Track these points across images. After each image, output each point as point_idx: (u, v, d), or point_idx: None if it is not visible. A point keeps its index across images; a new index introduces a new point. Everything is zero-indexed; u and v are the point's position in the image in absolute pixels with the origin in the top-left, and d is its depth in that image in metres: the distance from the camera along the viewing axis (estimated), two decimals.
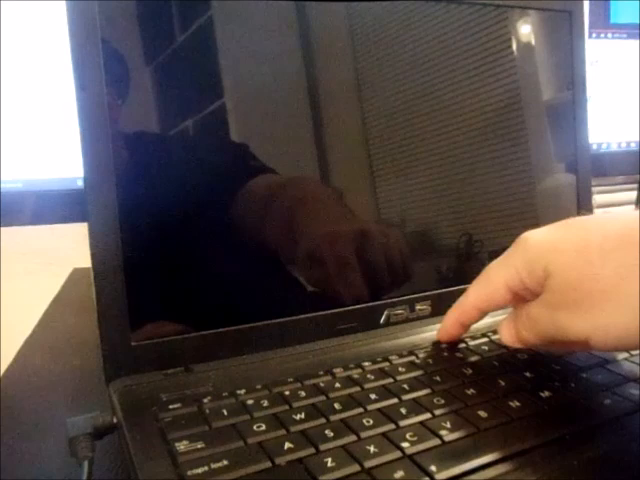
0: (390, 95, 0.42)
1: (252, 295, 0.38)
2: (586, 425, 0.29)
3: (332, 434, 0.27)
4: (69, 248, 0.66)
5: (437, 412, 0.29)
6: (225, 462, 0.25)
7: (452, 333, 0.37)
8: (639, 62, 0.71)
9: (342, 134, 0.41)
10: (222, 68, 0.36)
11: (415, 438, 0.27)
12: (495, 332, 0.40)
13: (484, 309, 0.34)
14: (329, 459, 0.26)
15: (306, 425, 0.28)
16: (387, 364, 0.35)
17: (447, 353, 0.37)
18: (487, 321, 0.42)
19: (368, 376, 0.33)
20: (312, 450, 0.26)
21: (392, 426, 0.28)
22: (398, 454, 0.26)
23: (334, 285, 0.39)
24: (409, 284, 0.42)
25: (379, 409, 0.30)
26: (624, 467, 0.27)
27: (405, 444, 0.27)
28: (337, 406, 0.30)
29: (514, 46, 0.47)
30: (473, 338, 0.39)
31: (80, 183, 0.48)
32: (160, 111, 0.35)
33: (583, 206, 0.50)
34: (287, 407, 0.30)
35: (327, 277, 0.39)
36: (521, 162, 0.47)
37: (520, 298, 0.32)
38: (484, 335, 0.39)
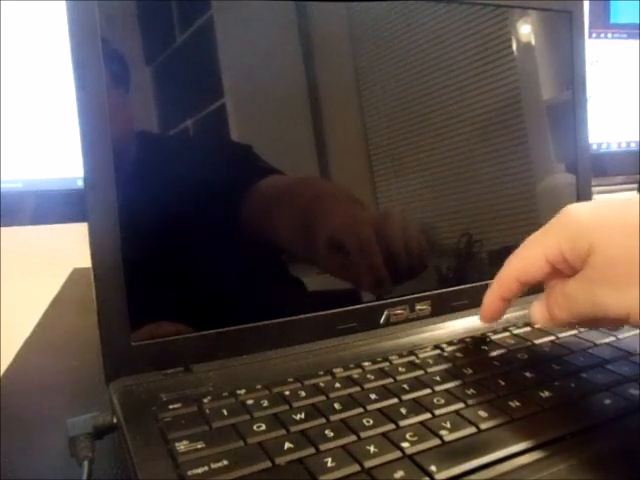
0: (390, 95, 0.42)
1: (252, 295, 0.38)
2: (586, 425, 0.29)
3: (332, 434, 0.27)
4: (69, 248, 0.66)
5: (437, 412, 0.29)
6: (225, 462, 0.25)
7: (494, 309, 0.35)
8: (639, 62, 0.71)
9: (342, 134, 0.41)
10: (222, 68, 0.36)
11: (415, 438, 0.27)
12: (495, 332, 0.40)
13: (523, 281, 0.33)
14: (329, 459, 0.26)
15: (306, 425, 0.28)
16: (387, 364, 0.35)
17: (447, 353, 0.37)
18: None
19: (368, 376, 0.33)
20: (312, 450, 0.26)
21: (392, 426, 0.28)
22: (398, 454, 0.26)
23: (357, 268, 0.40)
24: (409, 284, 0.42)
25: (379, 409, 0.30)
26: (624, 467, 0.27)
27: (405, 444, 0.27)
28: (337, 406, 0.30)
29: (514, 46, 0.47)
30: (473, 338, 0.39)
31: (80, 183, 0.48)
32: (160, 111, 0.35)
33: None
34: (287, 407, 0.30)
35: (349, 262, 0.39)
36: (521, 162, 0.47)
37: (556, 274, 0.32)
38: (484, 335, 0.39)
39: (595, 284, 0.29)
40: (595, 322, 0.33)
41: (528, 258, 0.32)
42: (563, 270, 0.31)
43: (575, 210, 0.31)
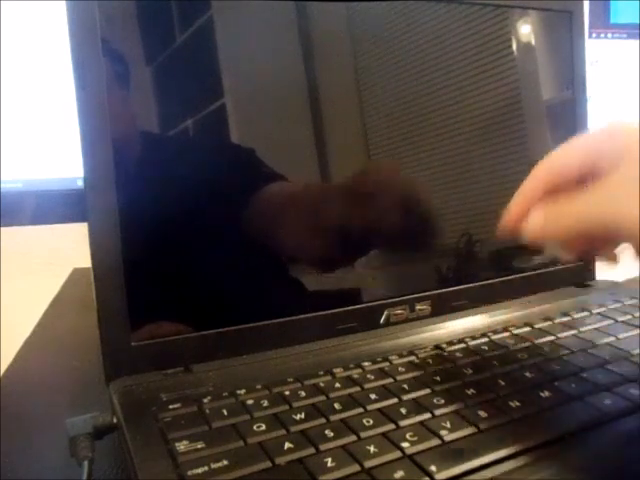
0: (390, 95, 0.42)
1: (252, 295, 0.38)
2: (586, 425, 0.29)
3: (332, 434, 0.27)
4: (69, 248, 0.66)
5: (437, 412, 0.29)
6: (225, 462, 0.25)
7: (517, 212, 0.32)
8: (639, 62, 0.71)
9: (342, 134, 0.41)
10: (222, 68, 0.36)
11: (415, 438, 0.27)
12: (495, 332, 0.40)
13: (551, 180, 0.31)
14: (329, 459, 0.26)
15: (306, 425, 0.28)
16: (387, 364, 0.35)
17: (447, 353, 0.37)
18: (487, 321, 0.42)
19: (368, 376, 0.33)
20: (312, 450, 0.26)
21: (392, 426, 0.28)
22: (398, 454, 0.26)
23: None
24: (409, 284, 0.42)
25: (379, 409, 0.30)
26: (623, 467, 0.27)
27: (405, 444, 0.27)
28: (337, 406, 0.30)
29: (514, 46, 0.47)
30: (473, 338, 0.39)
31: (80, 183, 0.48)
32: (160, 111, 0.35)
33: None
34: (287, 407, 0.30)
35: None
36: (521, 162, 0.47)
37: (578, 181, 0.29)
38: (484, 335, 0.39)
39: (621, 190, 0.27)
40: (593, 243, 0.30)
41: (567, 149, 0.31)
42: (594, 173, 0.28)
43: (621, 123, 0.30)
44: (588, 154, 0.30)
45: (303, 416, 0.29)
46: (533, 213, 0.30)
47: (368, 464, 0.25)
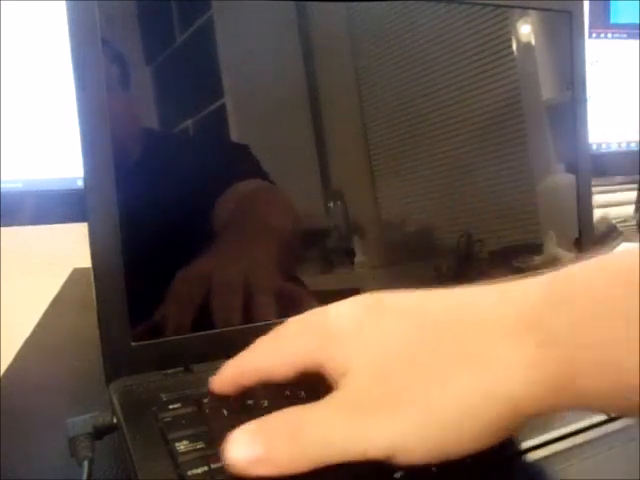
0: (390, 95, 0.42)
1: (252, 295, 0.38)
2: (585, 425, 0.29)
3: None
4: (69, 248, 0.66)
5: None
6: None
7: (226, 390, 0.29)
8: (639, 62, 0.71)
9: (342, 134, 0.41)
10: (222, 68, 0.36)
11: None
12: None
13: (264, 379, 0.27)
14: None
15: None
16: None
17: None
18: None
19: None
20: None
21: None
22: None
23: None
24: (409, 284, 0.42)
25: None
26: (623, 467, 0.27)
27: None
28: None
29: (514, 46, 0.47)
30: None
31: (80, 183, 0.48)
32: (160, 111, 0.35)
33: (583, 206, 0.50)
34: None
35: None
36: (521, 162, 0.47)
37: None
38: None
39: (351, 412, 0.23)
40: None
41: (277, 357, 0.27)
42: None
43: (334, 315, 0.26)
44: (303, 366, 0.26)
45: None
46: (237, 434, 0.24)
47: None
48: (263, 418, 0.24)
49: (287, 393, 0.31)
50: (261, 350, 0.28)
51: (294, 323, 0.27)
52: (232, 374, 0.28)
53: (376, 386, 0.23)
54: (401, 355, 0.23)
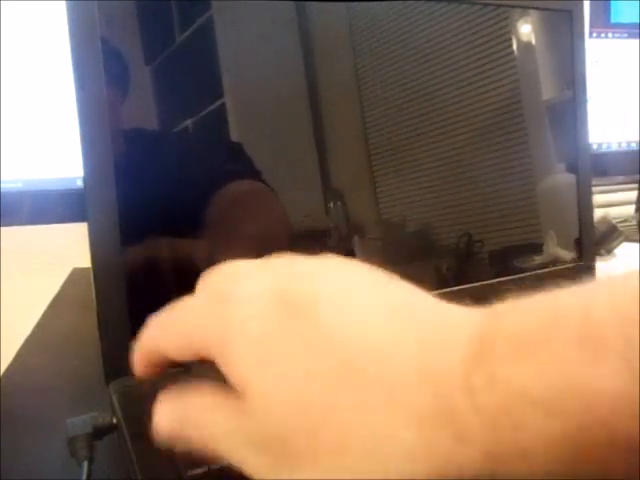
0: (390, 95, 0.42)
1: None
2: None
3: None
4: (69, 248, 0.66)
5: None
6: (225, 462, 0.25)
7: (145, 372, 0.26)
8: (639, 62, 0.71)
9: (342, 134, 0.41)
10: (222, 68, 0.36)
11: None
12: None
13: (172, 360, 0.24)
14: None
15: None
16: None
17: None
18: None
19: None
20: None
21: None
22: None
23: None
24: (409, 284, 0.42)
25: None
26: None
27: None
28: None
29: (514, 46, 0.47)
30: None
31: (80, 183, 0.48)
32: (160, 111, 0.35)
33: (583, 206, 0.50)
34: None
35: None
36: (521, 162, 0.47)
37: None
38: None
39: (247, 439, 0.20)
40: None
41: (169, 340, 0.24)
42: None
43: (244, 299, 0.21)
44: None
45: None
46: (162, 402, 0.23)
47: None
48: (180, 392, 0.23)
49: None
50: (154, 328, 0.24)
51: (195, 299, 0.24)
52: (140, 357, 0.25)
53: (285, 423, 0.19)
54: (303, 392, 0.19)
